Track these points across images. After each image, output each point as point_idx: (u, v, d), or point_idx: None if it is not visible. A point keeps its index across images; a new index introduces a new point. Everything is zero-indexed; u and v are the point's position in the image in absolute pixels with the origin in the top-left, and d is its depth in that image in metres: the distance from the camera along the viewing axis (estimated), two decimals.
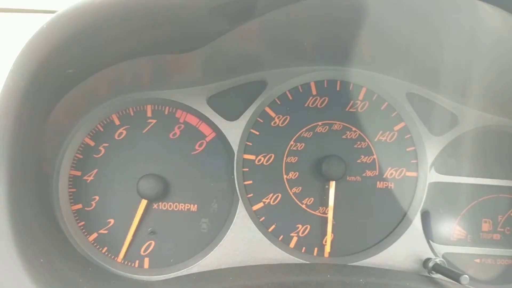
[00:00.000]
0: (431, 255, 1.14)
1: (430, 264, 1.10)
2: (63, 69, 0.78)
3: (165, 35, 0.78)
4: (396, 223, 1.15)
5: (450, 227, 1.18)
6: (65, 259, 0.96)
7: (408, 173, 1.16)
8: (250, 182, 1.13)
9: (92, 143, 1.10)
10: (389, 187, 1.15)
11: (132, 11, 0.68)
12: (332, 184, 1.11)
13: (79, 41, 0.71)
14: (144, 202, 1.06)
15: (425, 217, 1.16)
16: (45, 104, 0.85)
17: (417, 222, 1.15)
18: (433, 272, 1.09)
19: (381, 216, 1.15)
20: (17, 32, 1.18)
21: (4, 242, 0.79)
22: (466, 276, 0.96)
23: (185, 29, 0.77)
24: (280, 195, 1.14)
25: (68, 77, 0.81)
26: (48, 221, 1.01)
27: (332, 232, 1.14)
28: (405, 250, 1.14)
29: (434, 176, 1.16)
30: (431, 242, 1.15)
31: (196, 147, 1.13)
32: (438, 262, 1.09)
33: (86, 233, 1.09)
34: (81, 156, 1.10)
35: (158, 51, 0.84)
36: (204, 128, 1.13)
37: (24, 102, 0.77)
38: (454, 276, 0.99)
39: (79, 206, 1.10)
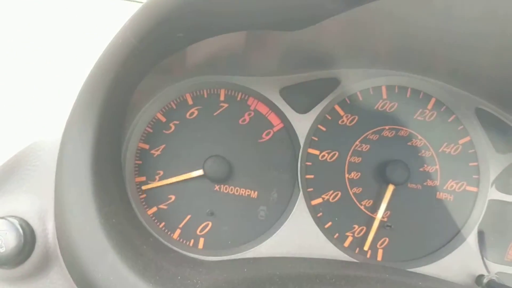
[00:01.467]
0: (484, 271, 1.13)
1: (485, 280, 1.09)
2: (174, 32, 0.79)
3: (276, 8, 0.80)
4: (452, 235, 1.15)
5: (504, 247, 1.17)
6: (132, 226, 0.97)
7: (468, 188, 1.16)
8: (312, 176, 1.14)
9: (163, 119, 1.12)
10: (448, 199, 1.15)
11: None
12: (390, 188, 1.11)
13: (199, 5, 0.72)
14: None
15: (481, 233, 1.15)
16: (144, 67, 0.87)
17: (472, 237, 1.14)
18: None
19: (437, 227, 1.15)
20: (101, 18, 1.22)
21: (85, 196, 0.81)
22: None
23: (297, 3, 0.78)
24: (340, 193, 1.14)
25: (175, 40, 0.83)
26: (121, 188, 1.02)
27: (387, 236, 1.13)
28: (458, 263, 1.13)
29: (494, 194, 1.16)
30: (485, 259, 1.14)
31: (263, 135, 1.14)
32: (493, 278, 1.08)
33: (146, 206, 1.11)
34: (151, 130, 1.12)
35: (264, 25, 0.85)
36: (273, 118, 1.14)
37: (129, 60, 0.78)
38: None
39: (143, 178, 1.11)
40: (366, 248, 1.12)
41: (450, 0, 0.80)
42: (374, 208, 1.14)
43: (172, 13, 0.74)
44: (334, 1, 0.74)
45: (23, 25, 1.20)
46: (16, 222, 0.87)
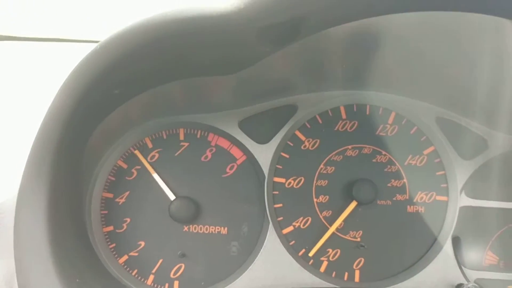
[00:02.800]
0: (463, 280, 1.12)
1: None
2: (110, 89, 0.79)
3: (209, 57, 0.80)
4: (427, 247, 1.15)
5: (481, 252, 1.17)
6: (99, 279, 0.96)
7: (438, 197, 1.16)
8: (280, 205, 1.14)
9: (125, 166, 1.11)
10: (419, 211, 1.15)
11: (182, 30, 0.69)
12: (353, 204, 1.11)
13: (130, 62, 0.72)
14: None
15: (456, 241, 1.15)
16: (88, 125, 0.86)
17: (448, 246, 1.14)
18: None
19: (411, 241, 1.15)
20: (54, 61, 1.22)
21: (44, 263, 0.80)
22: None
23: (229, 51, 0.79)
24: (310, 218, 1.14)
25: (113, 97, 0.83)
26: (82, 243, 1.01)
27: (363, 256, 1.13)
28: (436, 275, 1.13)
29: (465, 200, 1.15)
30: (462, 267, 1.14)
31: (227, 170, 1.13)
32: (471, 287, 1.07)
33: (116, 255, 1.10)
34: (113, 179, 1.11)
35: (199, 74, 0.86)
36: (235, 151, 1.14)
37: (70, 122, 0.78)
38: None
39: (111, 228, 1.10)
40: (311, 254, 1.11)
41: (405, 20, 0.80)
42: (346, 230, 1.14)
43: (102, 73, 0.74)
44: (260, 45, 0.74)
45: None
46: None
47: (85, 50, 0.77)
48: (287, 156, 1.14)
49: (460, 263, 1.13)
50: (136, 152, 1.11)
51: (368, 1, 0.65)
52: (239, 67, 0.83)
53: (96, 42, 0.77)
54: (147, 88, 0.86)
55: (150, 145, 1.12)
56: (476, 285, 1.09)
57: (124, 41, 0.72)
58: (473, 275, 1.15)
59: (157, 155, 1.12)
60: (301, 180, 1.14)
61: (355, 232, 1.13)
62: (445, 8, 0.68)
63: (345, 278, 1.13)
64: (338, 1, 0.64)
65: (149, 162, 1.11)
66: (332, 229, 1.11)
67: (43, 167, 0.81)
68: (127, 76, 0.79)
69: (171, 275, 1.10)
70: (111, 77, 0.77)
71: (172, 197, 1.09)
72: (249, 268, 1.09)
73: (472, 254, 1.16)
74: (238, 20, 0.68)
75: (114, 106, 0.88)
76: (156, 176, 1.10)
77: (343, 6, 0.68)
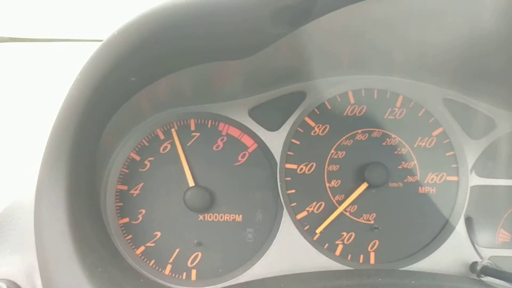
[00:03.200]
0: (477, 258, 1.13)
1: (478, 267, 1.09)
2: (126, 77, 0.80)
3: (224, 39, 0.81)
4: (440, 227, 1.16)
5: (494, 230, 1.18)
6: (119, 270, 0.97)
7: (449, 178, 1.17)
8: (293, 191, 1.14)
9: (137, 158, 1.12)
10: (431, 192, 1.16)
11: (196, 15, 0.71)
12: (363, 186, 1.13)
13: (146, 48, 0.73)
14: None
15: (469, 220, 1.16)
16: (105, 115, 0.87)
17: (461, 226, 1.15)
18: (482, 275, 1.08)
19: (424, 221, 1.16)
20: (64, 61, 1.23)
21: (66, 251, 0.81)
22: None
23: (243, 34, 0.80)
24: (323, 203, 1.15)
25: (129, 85, 0.84)
26: (101, 234, 1.02)
27: (377, 238, 1.14)
28: (451, 254, 1.13)
29: (475, 180, 1.17)
30: (476, 245, 1.15)
31: (239, 158, 1.14)
32: (487, 264, 1.08)
33: (133, 247, 1.10)
34: (127, 171, 1.12)
35: (216, 57, 0.87)
36: (246, 140, 1.15)
37: (87, 111, 0.79)
38: (506, 276, 0.98)
39: (126, 219, 1.11)
40: (318, 231, 1.12)
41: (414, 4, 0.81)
42: (360, 213, 1.14)
43: (120, 60, 0.75)
44: (274, 26, 0.75)
45: None
46: (4, 285, 0.87)
47: (91, 49, 0.78)
48: (298, 143, 1.15)
49: (473, 242, 1.14)
50: (172, 130, 1.13)
51: None
52: (253, 50, 0.84)
53: (101, 41, 0.78)
54: (164, 74, 0.87)
55: (162, 137, 1.13)
56: (490, 261, 1.09)
57: (140, 27, 0.73)
58: (487, 253, 1.16)
59: (169, 146, 1.13)
60: (312, 165, 1.15)
61: (368, 215, 1.14)
62: None
63: (361, 260, 1.14)
64: None
65: (183, 146, 1.14)
66: (340, 208, 1.12)
67: (61, 158, 0.82)
68: (144, 62, 0.80)
69: (189, 264, 1.11)
70: (128, 63, 0.78)
71: (185, 187, 1.09)
72: (266, 254, 1.10)
73: (485, 232, 1.18)
74: (253, 2, 0.69)
75: (130, 95, 0.89)
76: (183, 160, 1.12)
77: None
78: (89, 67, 0.77)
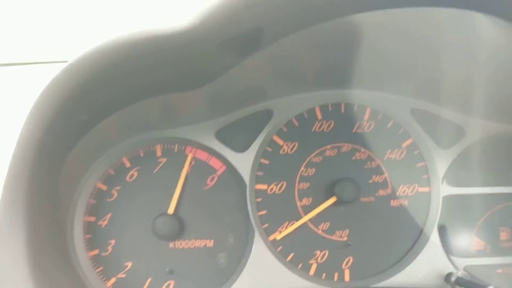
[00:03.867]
0: (452, 269, 1.13)
1: (453, 279, 1.09)
2: (76, 116, 0.78)
3: (173, 73, 0.80)
4: (414, 240, 1.15)
5: (468, 239, 1.18)
6: None
7: (420, 189, 1.16)
8: (265, 212, 1.13)
9: (104, 187, 1.10)
10: (403, 205, 1.15)
11: (141, 51, 0.69)
12: (332, 199, 1.12)
13: (92, 87, 0.72)
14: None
15: (442, 231, 1.15)
16: (60, 153, 0.85)
17: (434, 237, 1.14)
18: (456, 286, 1.08)
19: (398, 235, 1.15)
20: (28, 85, 1.20)
21: None
22: (491, 287, 0.95)
23: (193, 66, 0.78)
24: (295, 222, 1.13)
25: (81, 123, 0.82)
26: (67, 268, 1.00)
27: (351, 255, 1.13)
28: (425, 266, 1.13)
29: (447, 189, 1.16)
30: (450, 256, 1.14)
31: (208, 182, 1.13)
32: (461, 276, 1.08)
33: (104, 279, 1.09)
34: (94, 201, 1.10)
35: (167, 91, 0.86)
36: (214, 162, 1.13)
37: (40, 152, 0.77)
38: (480, 286, 0.98)
39: (96, 251, 1.09)
40: (278, 238, 1.12)
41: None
42: (332, 230, 1.14)
43: (66, 99, 0.73)
44: (223, 58, 0.73)
45: None
46: None
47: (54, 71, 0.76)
48: (267, 162, 1.14)
49: (448, 252, 1.14)
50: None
51: (321, 7, 0.65)
52: (206, 80, 0.83)
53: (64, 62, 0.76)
54: (116, 110, 0.85)
55: (128, 164, 1.11)
56: (465, 272, 1.09)
57: (83, 67, 0.71)
58: (462, 262, 1.15)
59: (136, 173, 1.11)
60: (283, 185, 1.14)
61: (341, 231, 1.14)
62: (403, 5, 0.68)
63: (335, 278, 1.13)
64: (287, 11, 0.64)
65: (128, 182, 1.10)
66: (305, 218, 1.12)
67: (18, 199, 0.79)
68: (92, 101, 0.78)
69: None
70: (75, 103, 0.76)
71: (154, 215, 1.08)
72: (239, 278, 1.09)
73: (459, 241, 1.17)
74: (196, 37, 0.68)
75: (84, 131, 0.87)
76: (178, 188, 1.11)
77: (294, 16, 0.68)
78: (37, 109, 0.75)
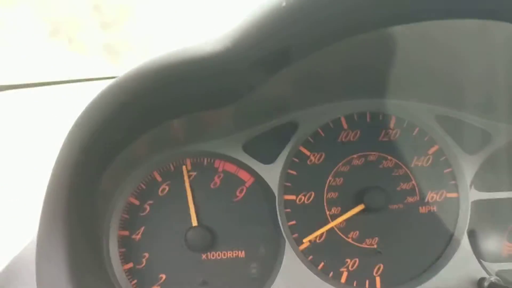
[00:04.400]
0: (484, 274, 1.13)
1: (486, 284, 1.09)
2: (113, 136, 0.81)
3: (203, 94, 0.82)
4: (444, 246, 1.15)
5: (499, 244, 1.17)
6: None
7: (449, 195, 1.17)
8: (294, 222, 1.15)
9: (137, 202, 1.13)
10: (432, 211, 1.16)
11: (177, 73, 0.71)
12: (359, 207, 1.13)
13: (129, 108, 0.74)
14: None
15: (473, 236, 1.15)
16: (96, 171, 0.88)
17: (465, 242, 1.14)
18: None
19: (428, 241, 1.15)
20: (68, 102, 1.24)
21: None
22: None
23: (222, 86, 0.80)
24: (324, 232, 1.15)
25: (117, 143, 0.85)
26: (105, 283, 1.03)
27: (381, 262, 1.14)
28: (457, 272, 1.13)
29: (475, 195, 1.16)
30: (482, 261, 1.14)
31: (237, 193, 1.15)
32: (494, 281, 1.08)
33: None
34: (127, 216, 1.13)
35: (196, 110, 0.88)
36: (243, 175, 1.15)
37: (77, 171, 0.80)
38: None
39: (131, 265, 1.12)
40: (305, 240, 1.14)
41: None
42: (362, 238, 1.14)
43: (103, 122, 0.76)
44: (255, 76, 0.75)
45: None
46: None
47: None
48: (295, 173, 1.15)
49: (479, 257, 1.14)
50: (183, 168, 1.14)
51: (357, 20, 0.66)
52: (234, 98, 0.85)
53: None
54: (148, 129, 0.88)
55: (159, 179, 1.14)
56: (497, 278, 1.09)
57: (118, 92, 0.74)
58: (494, 267, 1.15)
59: (167, 187, 1.14)
60: (311, 195, 1.16)
61: (371, 239, 1.14)
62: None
63: (367, 286, 1.14)
64: (320, 26, 0.65)
65: (160, 196, 1.13)
66: (332, 224, 1.14)
67: (57, 215, 0.82)
68: (127, 121, 0.81)
69: None
70: (112, 124, 0.79)
71: (186, 227, 1.10)
72: (271, 287, 1.10)
73: (490, 246, 1.17)
74: (228, 58, 0.70)
75: (119, 150, 0.90)
76: (190, 199, 1.13)
77: (328, 28, 0.70)
78: (75, 132, 0.78)
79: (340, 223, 1.15)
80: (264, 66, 0.76)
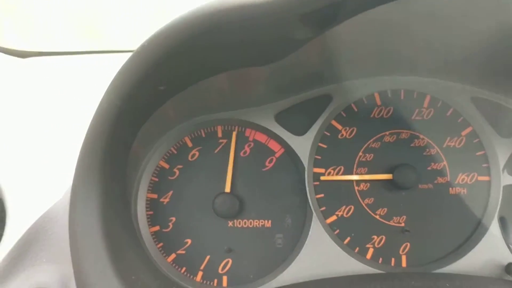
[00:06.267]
0: None
1: None
2: (155, 86, 0.82)
3: (252, 46, 0.82)
4: (473, 228, 1.14)
5: None
6: (152, 277, 0.98)
7: (480, 178, 1.15)
8: (322, 195, 1.14)
9: (166, 166, 1.14)
10: (462, 193, 1.14)
11: (227, 20, 0.71)
12: (387, 175, 1.13)
13: (174, 58, 0.74)
14: None
15: (503, 221, 1.14)
16: (135, 123, 0.89)
17: (494, 227, 1.13)
18: None
19: (456, 223, 1.14)
20: (94, 73, 1.25)
21: (100, 260, 0.82)
22: None
23: (272, 38, 0.80)
24: (352, 207, 1.14)
25: (158, 95, 0.85)
26: (134, 242, 1.03)
27: (408, 241, 1.13)
28: (484, 255, 1.11)
29: (508, 179, 1.14)
30: (511, 246, 1.12)
31: (266, 163, 1.15)
32: None
33: (165, 254, 1.12)
34: (157, 179, 1.13)
35: (242, 64, 0.88)
36: (273, 145, 1.15)
37: (118, 121, 0.80)
38: None
39: (157, 228, 1.12)
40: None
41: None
42: (390, 216, 1.13)
43: (149, 70, 0.76)
44: (302, 32, 0.75)
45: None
46: None
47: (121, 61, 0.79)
48: (325, 146, 1.15)
49: (508, 243, 1.12)
50: (234, 133, 1.15)
51: None
52: (279, 56, 0.85)
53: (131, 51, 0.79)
54: (191, 83, 0.88)
55: (190, 144, 1.14)
56: None
57: (170, 37, 0.73)
58: None
59: (197, 153, 1.14)
60: (340, 169, 1.15)
61: (398, 217, 1.13)
62: None
63: (392, 263, 1.13)
64: None
65: (189, 161, 1.13)
66: (356, 176, 1.15)
67: (93, 169, 0.83)
68: (173, 72, 0.81)
69: (219, 271, 1.11)
70: (157, 73, 0.79)
71: (214, 194, 1.10)
72: (296, 259, 1.10)
73: None
74: (280, 7, 0.70)
75: (161, 102, 0.90)
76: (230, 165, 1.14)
77: None
78: (119, 78, 0.78)
79: (369, 199, 1.14)
80: (312, 20, 0.75)
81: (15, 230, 0.99)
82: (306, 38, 0.80)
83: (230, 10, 0.68)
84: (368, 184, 1.14)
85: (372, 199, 1.14)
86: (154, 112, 0.91)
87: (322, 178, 1.14)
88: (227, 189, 1.11)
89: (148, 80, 0.79)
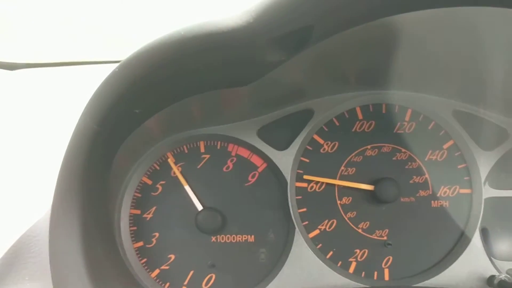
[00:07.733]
0: (494, 272, 1.12)
1: (496, 281, 1.07)
2: (131, 110, 0.82)
3: (221, 70, 0.82)
4: (454, 241, 1.14)
5: (511, 242, 1.16)
6: None
7: (462, 190, 1.16)
8: (305, 209, 1.15)
9: (149, 182, 1.14)
10: (444, 206, 1.15)
11: (196, 46, 0.71)
12: (368, 186, 1.14)
13: (148, 82, 0.75)
14: None
15: (485, 233, 1.14)
16: (112, 145, 0.89)
17: (476, 239, 1.13)
18: None
19: (438, 236, 1.15)
20: (80, 84, 1.25)
21: (81, 281, 0.82)
22: None
23: (241, 63, 0.80)
24: (335, 221, 1.15)
25: (134, 117, 0.86)
26: (116, 259, 1.04)
27: (390, 254, 1.13)
28: (466, 268, 1.12)
29: (489, 192, 1.15)
30: (492, 259, 1.13)
31: (249, 178, 1.15)
32: (504, 279, 1.07)
33: (148, 270, 1.12)
34: (140, 195, 1.14)
35: (216, 86, 0.88)
36: (256, 160, 1.16)
37: (94, 143, 0.81)
38: None
39: (141, 243, 1.13)
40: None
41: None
42: (372, 229, 1.14)
43: (122, 94, 0.77)
44: (274, 55, 0.76)
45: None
46: None
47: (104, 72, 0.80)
48: (307, 161, 1.15)
49: (490, 255, 1.13)
50: (169, 160, 1.14)
51: (374, 4, 0.66)
52: (253, 77, 0.85)
53: (117, 62, 0.79)
54: (166, 105, 0.89)
55: (172, 160, 1.14)
56: (508, 275, 1.08)
57: (137, 65, 0.74)
58: (505, 265, 1.14)
59: (180, 169, 1.14)
60: (323, 183, 1.15)
61: (381, 231, 1.14)
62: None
63: (375, 277, 1.13)
64: (344, 5, 0.65)
65: (181, 173, 1.14)
66: (338, 182, 1.15)
67: (73, 188, 0.83)
68: (146, 95, 0.81)
69: (203, 286, 1.12)
70: (131, 97, 0.79)
71: (200, 207, 1.11)
72: (279, 273, 1.11)
73: (502, 244, 1.16)
74: (249, 33, 0.70)
75: (136, 125, 0.90)
76: (187, 188, 1.13)
77: (350, 10, 0.70)
78: (94, 101, 0.79)
79: (351, 213, 1.15)
80: (284, 44, 0.76)
81: None
82: (279, 60, 0.80)
83: (197, 38, 0.68)
84: (351, 198, 1.15)
85: (355, 212, 1.14)
86: (132, 132, 0.91)
87: (305, 177, 1.15)
88: (199, 207, 1.12)
89: (122, 104, 0.79)
